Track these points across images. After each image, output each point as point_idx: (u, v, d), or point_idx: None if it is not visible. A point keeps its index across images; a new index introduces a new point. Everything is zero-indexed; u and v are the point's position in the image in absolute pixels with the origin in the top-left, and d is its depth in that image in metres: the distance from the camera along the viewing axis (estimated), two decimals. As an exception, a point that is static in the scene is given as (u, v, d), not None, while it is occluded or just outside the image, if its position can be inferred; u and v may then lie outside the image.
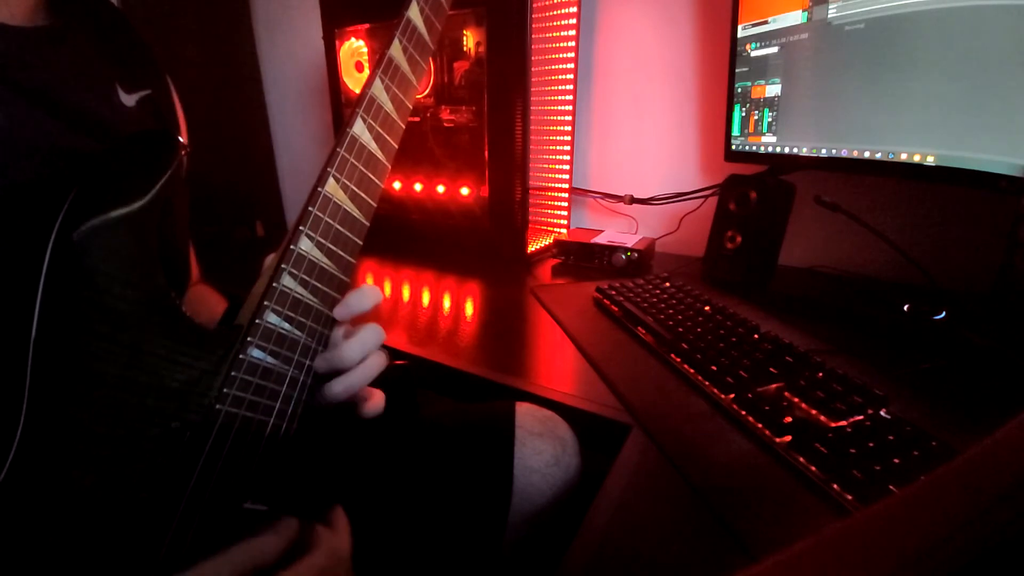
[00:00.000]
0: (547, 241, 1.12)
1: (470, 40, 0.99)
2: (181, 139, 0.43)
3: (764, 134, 0.87)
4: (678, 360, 0.62)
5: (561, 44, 1.07)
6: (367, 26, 1.13)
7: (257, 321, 0.40)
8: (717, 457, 0.47)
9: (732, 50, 0.89)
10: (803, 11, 0.77)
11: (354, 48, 1.17)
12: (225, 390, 0.38)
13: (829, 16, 0.74)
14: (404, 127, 0.49)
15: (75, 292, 0.33)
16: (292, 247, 0.41)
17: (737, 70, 0.89)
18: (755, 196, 0.86)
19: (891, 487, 0.40)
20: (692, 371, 0.59)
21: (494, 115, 1.00)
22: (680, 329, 0.67)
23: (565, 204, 1.18)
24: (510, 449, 0.55)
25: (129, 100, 0.48)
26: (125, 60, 0.49)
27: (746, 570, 0.20)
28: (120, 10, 0.52)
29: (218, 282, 0.63)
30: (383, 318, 0.83)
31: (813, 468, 0.43)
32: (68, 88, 0.43)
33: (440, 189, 1.12)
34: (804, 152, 0.82)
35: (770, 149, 0.87)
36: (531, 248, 1.08)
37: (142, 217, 0.36)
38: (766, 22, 0.83)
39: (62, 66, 0.43)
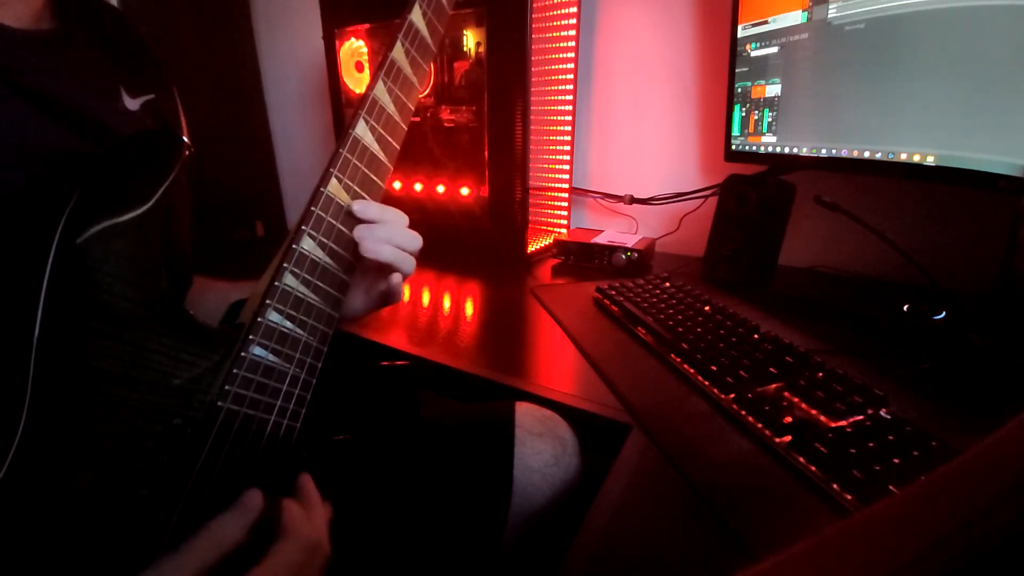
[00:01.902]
0: (547, 241, 1.12)
1: (470, 40, 0.99)
2: (185, 139, 0.43)
3: (764, 134, 0.87)
4: (678, 360, 0.62)
5: (561, 44, 1.07)
6: (367, 26, 1.13)
7: (259, 319, 0.40)
8: (717, 457, 0.47)
9: (732, 50, 0.89)
10: (803, 11, 0.77)
11: (354, 48, 1.17)
12: (227, 387, 0.38)
13: (829, 16, 0.74)
14: (406, 128, 0.49)
15: (78, 293, 0.33)
16: (294, 246, 0.41)
17: (737, 70, 0.89)
18: (755, 196, 0.86)
19: (891, 487, 0.40)
20: (692, 371, 0.59)
21: (494, 115, 1.00)
22: (680, 329, 0.67)
23: (565, 204, 1.18)
24: (510, 449, 0.55)
25: (133, 104, 0.48)
26: (129, 64, 0.49)
27: (746, 570, 0.20)
28: (123, 15, 0.52)
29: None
30: (383, 318, 0.83)
31: (813, 468, 0.43)
32: (72, 92, 0.43)
33: (440, 189, 1.12)
34: (804, 152, 0.82)
35: (770, 149, 0.87)
36: (531, 248, 1.08)
37: (146, 221, 0.36)
38: (766, 22, 0.83)
39: (67, 70, 0.43)
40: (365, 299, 0.52)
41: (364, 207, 0.46)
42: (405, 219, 0.49)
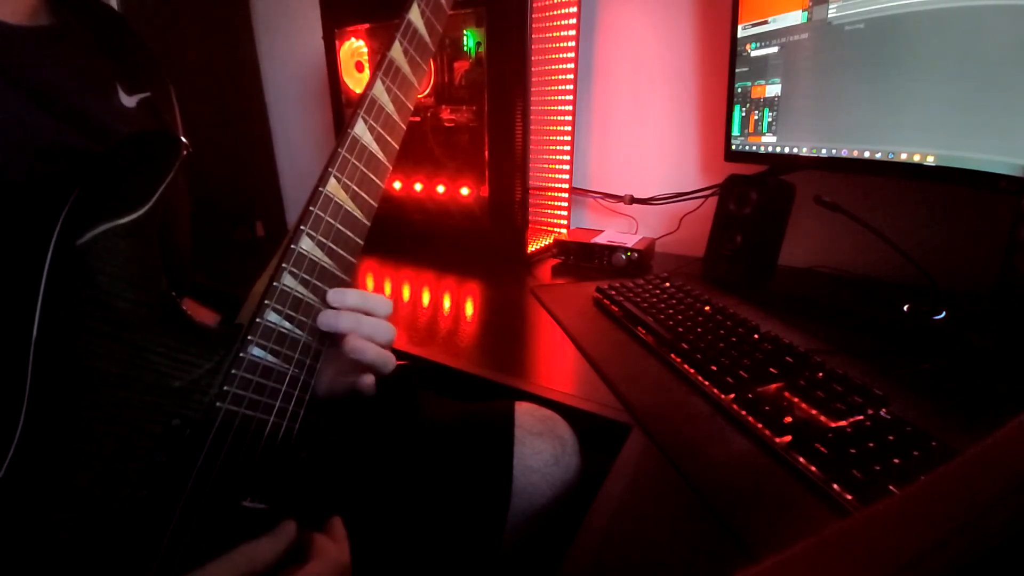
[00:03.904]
0: (547, 241, 1.12)
1: (470, 40, 0.99)
2: (183, 139, 0.43)
3: (764, 134, 0.87)
4: (678, 360, 0.62)
5: (561, 44, 1.07)
6: (367, 26, 1.13)
7: (258, 320, 0.40)
8: (717, 457, 0.47)
9: (732, 50, 0.89)
10: (803, 11, 0.77)
11: (354, 48, 1.17)
12: (226, 388, 0.38)
13: (829, 16, 0.74)
14: (405, 128, 0.49)
15: (78, 294, 0.33)
16: (293, 246, 0.41)
17: (737, 70, 0.89)
18: (755, 196, 0.86)
19: (891, 487, 0.40)
20: (692, 371, 0.59)
21: (494, 115, 1.00)
22: (680, 329, 0.67)
23: (565, 204, 1.18)
24: (509, 449, 0.55)
25: (130, 101, 0.48)
26: (126, 62, 0.49)
27: (746, 570, 0.20)
28: (120, 13, 0.52)
29: (218, 282, 0.63)
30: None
31: (813, 468, 0.43)
32: (68, 88, 0.43)
33: (440, 189, 1.12)
34: (804, 152, 0.82)
35: (770, 149, 0.87)
36: (531, 248, 1.08)
37: (145, 222, 0.36)
38: (766, 22, 0.83)
39: (62, 65, 0.43)
40: (329, 386, 0.49)
41: (340, 296, 0.43)
42: (389, 306, 0.46)
